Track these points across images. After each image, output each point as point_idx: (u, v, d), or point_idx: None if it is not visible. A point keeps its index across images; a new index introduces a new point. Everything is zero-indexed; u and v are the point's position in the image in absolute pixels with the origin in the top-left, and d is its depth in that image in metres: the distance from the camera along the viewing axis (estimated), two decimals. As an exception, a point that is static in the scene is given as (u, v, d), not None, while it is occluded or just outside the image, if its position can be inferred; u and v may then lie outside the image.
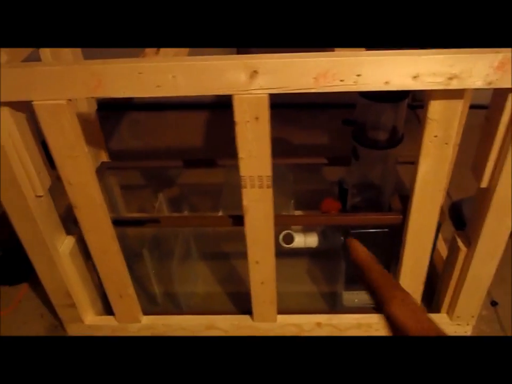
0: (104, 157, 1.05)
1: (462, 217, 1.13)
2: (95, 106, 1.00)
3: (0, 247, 1.18)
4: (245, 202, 0.75)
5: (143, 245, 0.94)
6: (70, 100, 0.66)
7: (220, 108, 1.69)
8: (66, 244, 0.88)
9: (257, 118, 0.66)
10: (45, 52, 0.84)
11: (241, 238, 1.17)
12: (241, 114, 0.66)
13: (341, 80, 0.63)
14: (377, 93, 0.66)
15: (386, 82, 0.63)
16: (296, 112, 1.61)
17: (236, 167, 0.88)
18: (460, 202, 1.15)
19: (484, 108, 0.74)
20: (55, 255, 0.84)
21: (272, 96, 0.65)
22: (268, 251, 0.82)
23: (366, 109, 0.80)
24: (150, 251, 0.93)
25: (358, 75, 0.62)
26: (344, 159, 0.95)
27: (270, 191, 0.74)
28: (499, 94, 0.67)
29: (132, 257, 0.92)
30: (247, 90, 0.64)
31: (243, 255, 1.18)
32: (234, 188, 0.94)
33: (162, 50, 0.68)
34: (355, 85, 0.63)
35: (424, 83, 0.63)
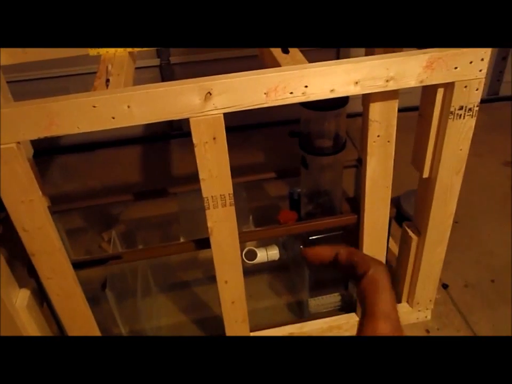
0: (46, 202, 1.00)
1: (402, 211, 1.20)
2: (31, 151, 0.97)
3: None
4: (210, 223, 0.76)
5: (94, 287, 0.91)
6: (19, 142, 0.64)
7: (151, 141, 1.69)
8: (21, 297, 0.83)
9: (214, 138, 0.68)
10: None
11: (198, 264, 1.17)
12: (199, 135, 0.67)
13: (291, 93, 0.66)
14: (319, 103, 0.71)
15: (332, 90, 0.67)
16: (240, 133, 1.63)
17: (189, 194, 0.88)
18: (398, 198, 1.22)
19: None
20: (12, 310, 0.79)
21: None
22: (235, 269, 0.82)
23: (309, 119, 0.84)
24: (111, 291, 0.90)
25: (306, 86, 0.66)
26: (291, 171, 0.99)
27: (233, 208, 0.75)
28: (429, 91, 0.74)
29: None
30: (203, 112, 0.65)
31: (201, 281, 1.18)
32: (190, 214, 0.95)
33: (112, 80, 0.68)
34: (304, 95, 0.67)
35: (365, 87, 0.68)
